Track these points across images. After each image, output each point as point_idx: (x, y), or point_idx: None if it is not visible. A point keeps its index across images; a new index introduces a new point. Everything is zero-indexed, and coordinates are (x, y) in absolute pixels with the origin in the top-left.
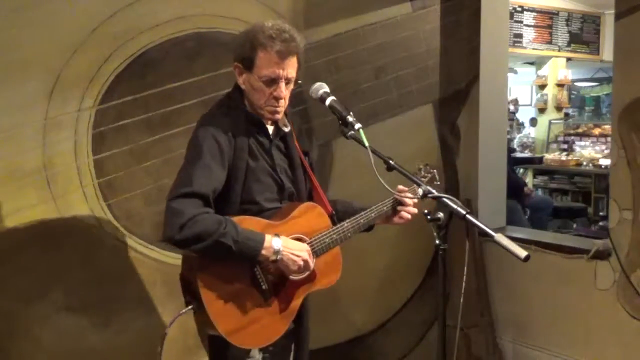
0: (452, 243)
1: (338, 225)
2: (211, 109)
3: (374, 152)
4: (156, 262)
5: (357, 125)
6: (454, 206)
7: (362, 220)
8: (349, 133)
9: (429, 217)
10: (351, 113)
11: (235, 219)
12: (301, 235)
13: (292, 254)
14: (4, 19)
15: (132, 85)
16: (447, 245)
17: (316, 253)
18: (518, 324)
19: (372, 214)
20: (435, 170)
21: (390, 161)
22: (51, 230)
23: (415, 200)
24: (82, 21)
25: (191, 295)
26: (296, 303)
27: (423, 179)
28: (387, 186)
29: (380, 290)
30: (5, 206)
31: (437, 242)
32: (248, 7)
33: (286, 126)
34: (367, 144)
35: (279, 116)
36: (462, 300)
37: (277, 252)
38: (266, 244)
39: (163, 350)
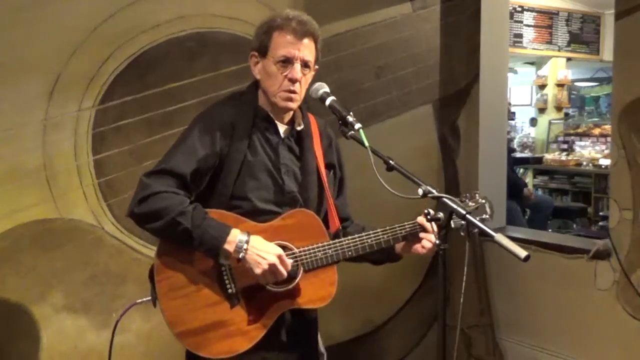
0: (452, 243)
1: (337, 241)
2: (219, 100)
3: (374, 152)
4: None
5: (357, 125)
6: (454, 206)
7: (368, 241)
8: (349, 133)
9: (429, 217)
10: (351, 113)
11: (210, 211)
12: (286, 243)
13: (258, 254)
14: (4, 19)
15: (132, 85)
16: (447, 245)
17: (305, 266)
18: (518, 324)
19: (385, 236)
20: (484, 202)
21: (390, 161)
22: (51, 230)
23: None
24: (82, 21)
25: (152, 284)
26: (270, 318)
27: (466, 207)
28: (387, 186)
29: (381, 291)
30: (5, 206)
31: (437, 242)
32: (248, 7)
33: (300, 125)
34: (367, 144)
35: (293, 105)
36: (462, 300)
37: (240, 249)
38: (230, 237)
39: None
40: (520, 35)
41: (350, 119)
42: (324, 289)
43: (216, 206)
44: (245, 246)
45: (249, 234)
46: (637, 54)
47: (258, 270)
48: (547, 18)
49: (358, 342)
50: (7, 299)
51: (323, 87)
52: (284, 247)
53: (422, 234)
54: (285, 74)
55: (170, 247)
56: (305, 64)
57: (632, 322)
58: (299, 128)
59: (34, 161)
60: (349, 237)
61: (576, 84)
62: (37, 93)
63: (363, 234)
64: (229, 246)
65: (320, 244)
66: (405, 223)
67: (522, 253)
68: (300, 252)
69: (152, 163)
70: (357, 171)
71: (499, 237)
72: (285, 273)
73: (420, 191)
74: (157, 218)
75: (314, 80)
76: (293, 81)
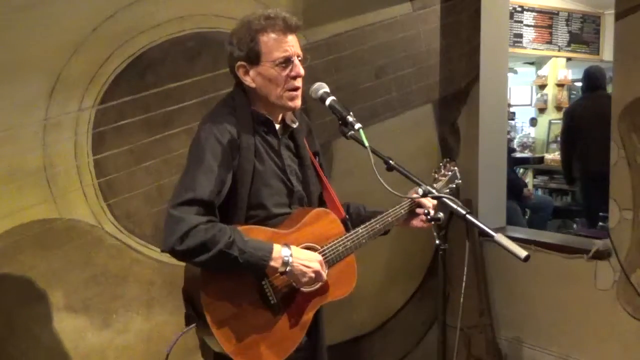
0: (452, 243)
1: (352, 232)
2: (214, 108)
3: (374, 152)
4: (156, 262)
5: (357, 125)
6: (454, 206)
7: (378, 226)
8: (349, 133)
9: (429, 217)
10: (351, 113)
11: (241, 228)
12: (312, 244)
13: (303, 264)
14: (4, 18)
15: (132, 85)
16: (447, 245)
17: (329, 262)
18: (518, 324)
19: (389, 218)
20: (456, 168)
21: (390, 161)
22: (51, 230)
23: (434, 202)
24: (82, 21)
25: (194, 311)
26: (308, 317)
27: (443, 177)
28: (387, 186)
29: (381, 290)
30: (5, 206)
31: (437, 242)
32: (248, 7)
33: (294, 122)
34: (367, 144)
35: (300, 102)
36: (462, 300)
37: (286, 263)
38: (274, 254)
39: None
40: (520, 35)
41: (350, 119)
42: (347, 279)
43: (235, 218)
44: (290, 259)
45: (288, 246)
46: (637, 54)
47: (304, 279)
48: (547, 18)
49: (358, 342)
50: (7, 299)
51: (323, 87)
52: (310, 248)
53: (417, 210)
54: (287, 73)
55: (211, 276)
56: (299, 57)
57: (632, 322)
58: (294, 125)
59: (34, 161)
60: (361, 226)
61: (576, 84)
62: (37, 93)
63: (372, 220)
64: (275, 262)
65: (340, 239)
66: (403, 203)
67: (522, 253)
68: (324, 250)
69: (152, 163)
70: (356, 171)
71: (499, 237)
72: (324, 275)
73: (420, 191)
74: (202, 252)
75: (313, 80)
76: (297, 77)
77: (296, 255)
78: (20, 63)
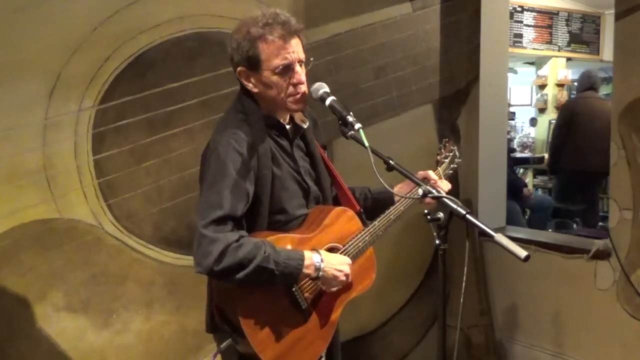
0: (452, 243)
1: (370, 226)
2: (225, 117)
3: (374, 152)
4: (156, 262)
5: (357, 125)
6: (454, 206)
7: (392, 217)
8: (349, 133)
9: (429, 217)
10: (351, 113)
11: (270, 238)
12: (335, 244)
13: (335, 269)
14: (4, 19)
15: (132, 85)
16: (447, 245)
17: (352, 259)
18: (518, 323)
19: (402, 208)
20: (455, 148)
21: (390, 161)
22: (51, 230)
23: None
24: (82, 21)
25: (229, 326)
26: (336, 315)
27: (445, 160)
28: (387, 186)
29: (380, 290)
30: (5, 206)
31: (437, 242)
32: (248, 7)
33: (304, 122)
34: (367, 144)
35: (305, 104)
36: (462, 300)
37: (318, 269)
38: (306, 261)
39: None
40: (520, 35)
41: (350, 119)
42: (368, 271)
43: (258, 225)
44: (322, 265)
45: (317, 251)
46: (637, 54)
47: (336, 282)
48: (547, 18)
49: (358, 342)
50: (7, 299)
51: (323, 87)
52: (333, 248)
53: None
54: (288, 80)
55: (244, 289)
56: (301, 62)
57: (632, 322)
58: (305, 126)
59: (34, 161)
60: (377, 220)
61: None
62: (37, 93)
63: (386, 212)
64: (308, 270)
65: (359, 235)
66: (413, 190)
67: (522, 253)
68: (346, 248)
69: (152, 163)
70: (356, 171)
71: (499, 237)
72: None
73: (420, 191)
74: (240, 269)
75: (313, 80)
76: (299, 84)
77: (327, 260)
78: (20, 63)
